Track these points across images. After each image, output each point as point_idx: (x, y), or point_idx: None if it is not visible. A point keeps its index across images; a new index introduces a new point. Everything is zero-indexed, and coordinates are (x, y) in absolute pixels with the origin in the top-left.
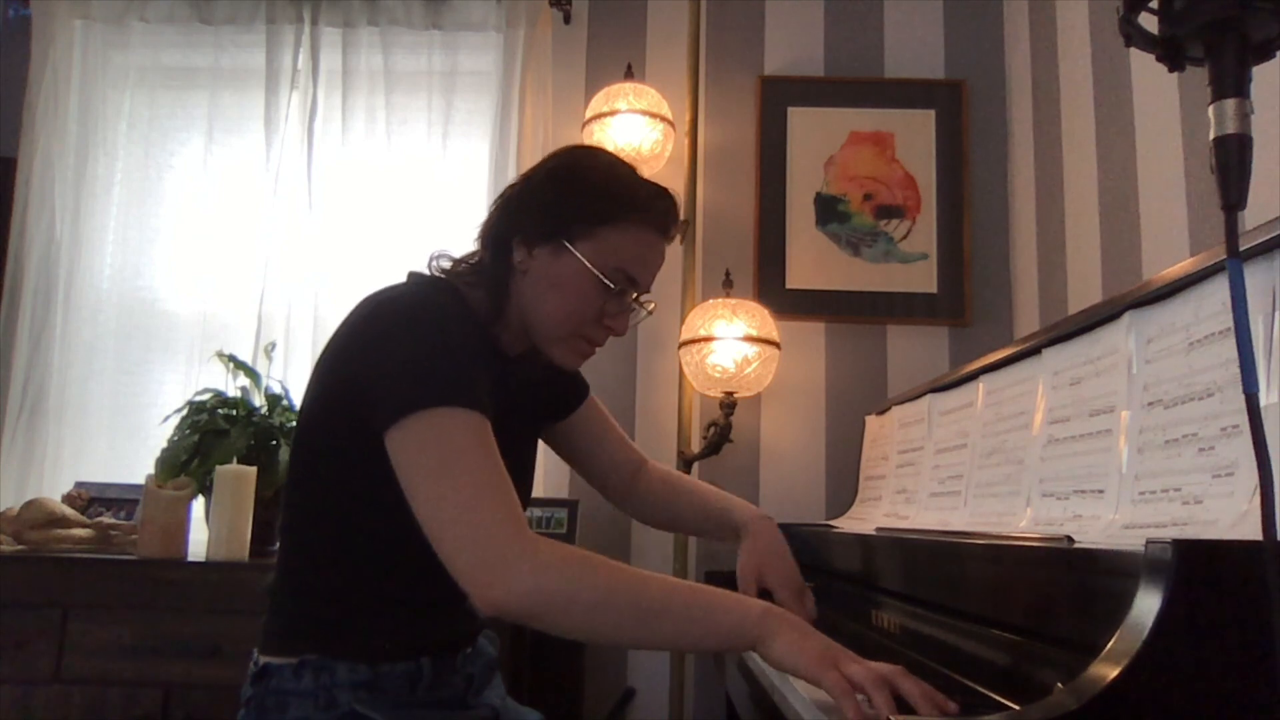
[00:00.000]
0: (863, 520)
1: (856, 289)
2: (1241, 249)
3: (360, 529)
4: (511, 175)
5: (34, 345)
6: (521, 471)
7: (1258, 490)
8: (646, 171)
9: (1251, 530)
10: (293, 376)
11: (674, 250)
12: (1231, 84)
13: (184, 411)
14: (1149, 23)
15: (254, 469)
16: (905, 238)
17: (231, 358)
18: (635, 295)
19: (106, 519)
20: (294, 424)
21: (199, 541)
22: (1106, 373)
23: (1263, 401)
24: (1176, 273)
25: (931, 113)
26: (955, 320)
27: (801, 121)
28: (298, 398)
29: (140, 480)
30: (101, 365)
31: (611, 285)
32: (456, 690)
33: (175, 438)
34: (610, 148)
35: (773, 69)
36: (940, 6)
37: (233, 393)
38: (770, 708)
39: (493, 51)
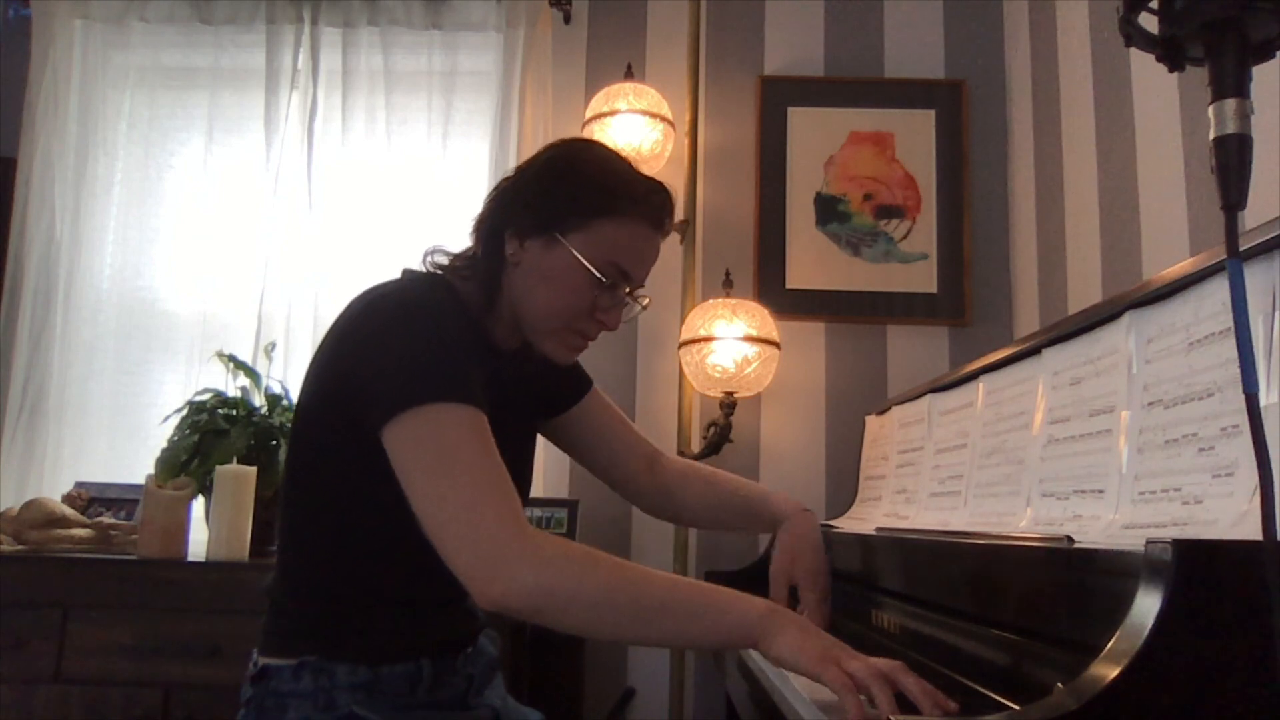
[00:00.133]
0: (863, 520)
1: (856, 289)
2: (1241, 249)
3: (358, 528)
4: None
5: (34, 345)
6: (519, 468)
7: (1258, 490)
8: (646, 171)
9: (1251, 530)
10: (293, 376)
11: (674, 250)
12: (1231, 84)
13: (184, 411)
14: (1149, 23)
15: (254, 469)
16: (905, 238)
17: (231, 358)
18: (629, 289)
19: (106, 519)
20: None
21: (199, 541)
22: (1106, 373)
23: (1263, 401)
24: (1176, 273)
25: (931, 113)
26: (955, 320)
27: (801, 121)
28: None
29: (140, 480)
30: (101, 365)
31: (603, 279)
32: (457, 691)
33: (175, 438)
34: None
35: (773, 69)
36: (940, 6)
37: (233, 393)
38: (770, 707)
39: (493, 51)
